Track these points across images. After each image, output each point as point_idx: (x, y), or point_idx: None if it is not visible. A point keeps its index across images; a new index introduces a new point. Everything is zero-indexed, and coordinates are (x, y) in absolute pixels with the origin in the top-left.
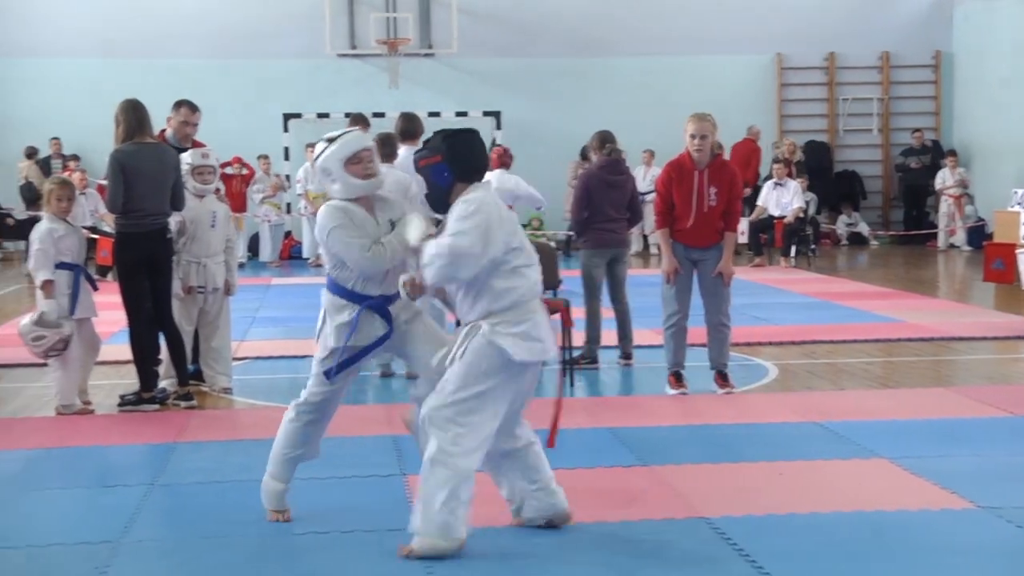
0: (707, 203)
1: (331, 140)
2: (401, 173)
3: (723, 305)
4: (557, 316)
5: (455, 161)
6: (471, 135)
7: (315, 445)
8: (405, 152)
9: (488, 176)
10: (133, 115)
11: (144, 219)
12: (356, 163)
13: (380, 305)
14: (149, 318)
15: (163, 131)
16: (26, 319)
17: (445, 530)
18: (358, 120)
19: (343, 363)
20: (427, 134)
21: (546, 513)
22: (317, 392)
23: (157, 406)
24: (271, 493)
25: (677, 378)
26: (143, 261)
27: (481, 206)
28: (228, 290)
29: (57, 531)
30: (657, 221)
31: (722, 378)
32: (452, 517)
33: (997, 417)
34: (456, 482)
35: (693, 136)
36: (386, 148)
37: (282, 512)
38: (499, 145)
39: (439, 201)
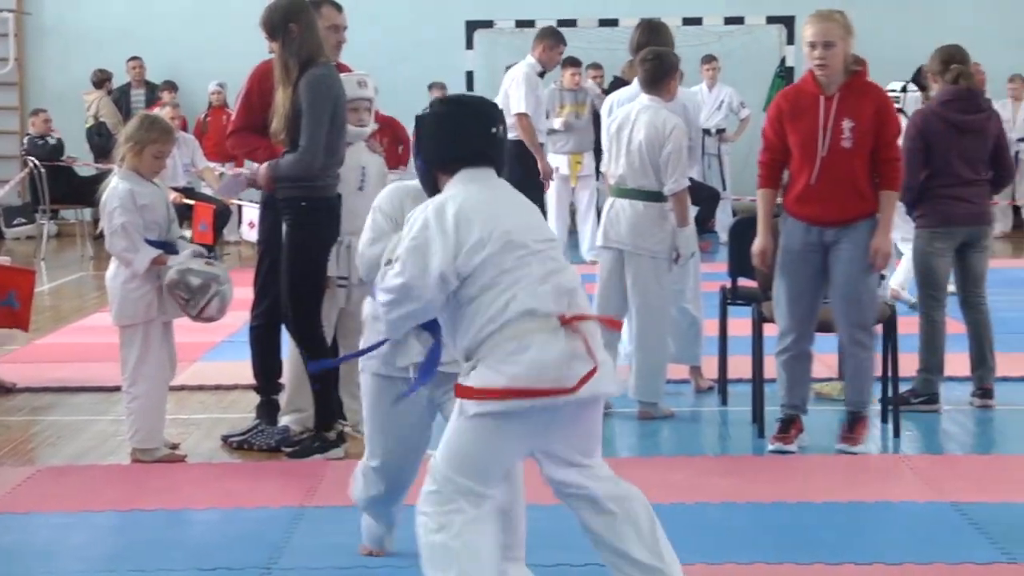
0: (841, 143)
1: None
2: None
3: (861, 314)
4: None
5: (425, 145)
6: (457, 106)
7: None
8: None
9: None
10: (315, 20)
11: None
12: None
13: None
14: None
15: None
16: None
17: None
18: (547, 35)
19: None
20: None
21: None
22: None
23: (342, 452)
24: None
25: (785, 427)
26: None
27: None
28: None
29: None
30: (759, 177)
31: (849, 425)
32: None
33: None
34: None
35: (812, 45)
36: (660, 72)
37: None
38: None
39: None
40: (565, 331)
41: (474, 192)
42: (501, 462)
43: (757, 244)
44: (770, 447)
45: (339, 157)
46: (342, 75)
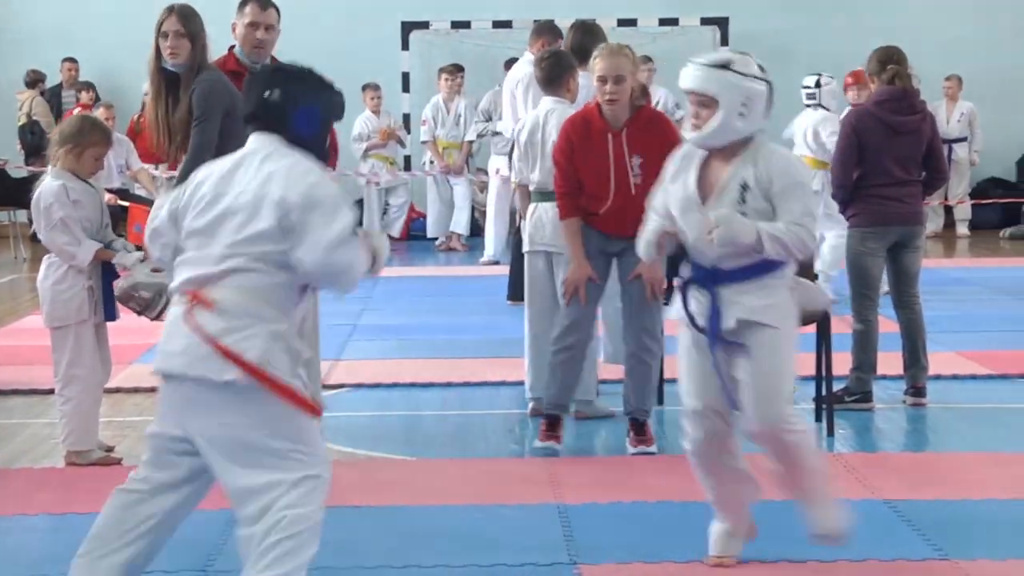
0: (631, 180)
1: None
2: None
3: (648, 320)
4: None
5: None
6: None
7: None
8: (582, 80)
9: None
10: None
11: None
12: None
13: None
14: None
15: (231, 48)
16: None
17: None
18: (546, 31)
19: None
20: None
21: None
22: None
23: None
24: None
25: (551, 425)
26: None
27: None
28: None
29: None
30: (560, 208)
31: (637, 430)
32: None
33: None
34: None
35: (604, 79)
36: (555, 72)
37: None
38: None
39: None
40: (187, 308)
41: (228, 159)
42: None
43: (577, 273)
44: (538, 444)
45: None
46: None
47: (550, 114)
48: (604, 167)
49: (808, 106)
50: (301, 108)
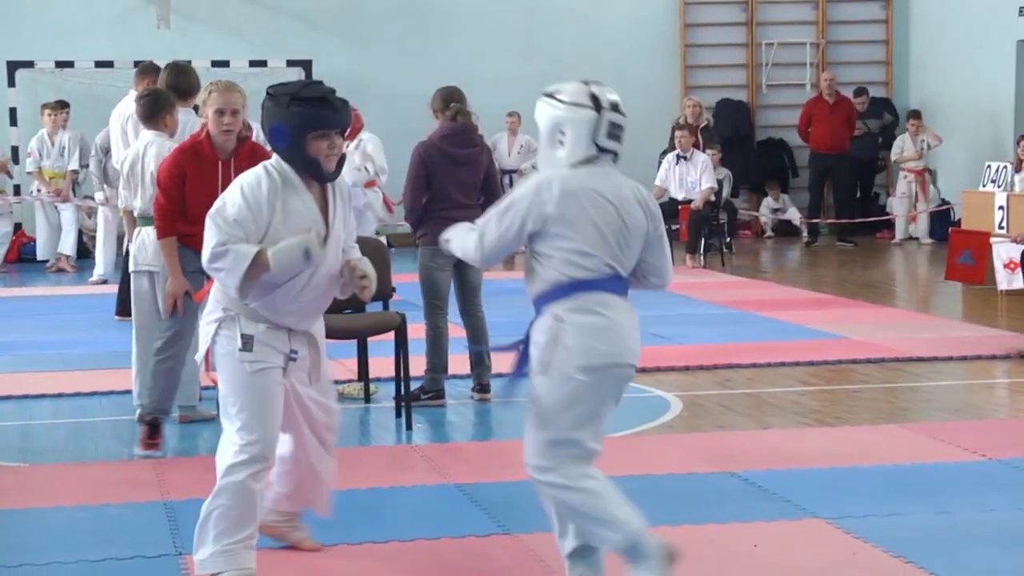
0: None
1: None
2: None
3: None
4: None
5: None
6: None
7: None
8: (181, 116)
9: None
10: None
11: None
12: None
13: None
14: None
15: None
16: None
17: None
18: (150, 71)
19: None
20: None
21: None
22: None
23: None
24: None
25: (152, 432)
26: None
27: None
28: None
29: None
30: (158, 228)
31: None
32: None
33: (965, 462)
34: None
35: (221, 112)
36: (154, 108)
37: None
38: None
39: None
40: None
41: None
42: None
43: (175, 287)
44: (140, 452)
45: None
46: None
47: (149, 146)
48: (212, 193)
49: None
50: (271, 126)
